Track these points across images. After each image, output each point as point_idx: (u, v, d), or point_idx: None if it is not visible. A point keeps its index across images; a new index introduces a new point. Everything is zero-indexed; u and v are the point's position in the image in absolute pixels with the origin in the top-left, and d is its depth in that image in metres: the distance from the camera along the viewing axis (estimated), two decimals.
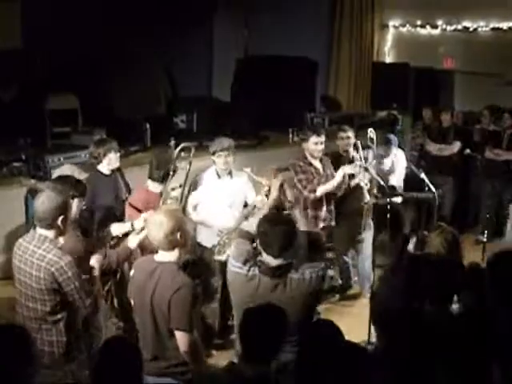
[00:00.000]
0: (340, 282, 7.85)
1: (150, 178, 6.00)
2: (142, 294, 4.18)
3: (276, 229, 4.09)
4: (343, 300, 7.63)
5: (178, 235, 4.15)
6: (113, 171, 6.55)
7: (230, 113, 10.91)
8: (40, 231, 4.31)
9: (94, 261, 4.76)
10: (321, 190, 6.87)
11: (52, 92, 9.64)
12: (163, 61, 11.52)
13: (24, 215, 7.32)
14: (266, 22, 12.68)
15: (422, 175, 7.78)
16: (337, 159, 7.36)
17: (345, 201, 7.30)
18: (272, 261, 4.12)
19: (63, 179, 5.33)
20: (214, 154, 6.41)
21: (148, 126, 9.48)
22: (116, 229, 5.53)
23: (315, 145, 6.91)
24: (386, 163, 8.57)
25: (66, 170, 5.91)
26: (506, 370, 3.42)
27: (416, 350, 3.22)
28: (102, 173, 6.45)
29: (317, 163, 7.03)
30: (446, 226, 5.12)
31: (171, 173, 5.96)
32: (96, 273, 4.76)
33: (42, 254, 4.23)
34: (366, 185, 7.14)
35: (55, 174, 5.90)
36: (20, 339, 3.24)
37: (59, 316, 4.34)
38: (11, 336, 3.24)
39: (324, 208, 7.01)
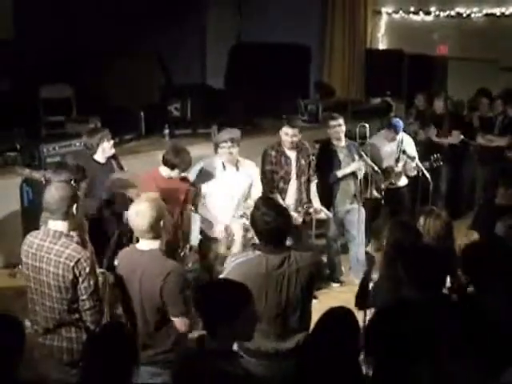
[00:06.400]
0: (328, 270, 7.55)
1: None
2: (128, 284, 4.12)
3: (273, 225, 4.04)
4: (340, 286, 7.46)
5: (162, 223, 4.12)
6: (108, 159, 6.56)
7: (223, 100, 10.91)
8: (53, 226, 4.15)
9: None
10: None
11: (46, 82, 9.64)
12: (156, 48, 11.51)
13: (19, 204, 7.35)
14: (259, 9, 12.66)
15: (417, 161, 7.81)
16: (327, 147, 7.29)
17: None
18: None
19: (63, 166, 5.30)
20: (217, 145, 6.25)
21: (142, 114, 9.48)
22: None
23: (285, 136, 6.67)
24: (391, 146, 7.98)
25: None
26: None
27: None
28: (97, 162, 6.45)
29: (291, 153, 6.77)
30: (440, 212, 5.15)
31: None
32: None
33: (59, 249, 4.07)
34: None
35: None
36: (10, 327, 3.26)
37: (77, 315, 4.15)
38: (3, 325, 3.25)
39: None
